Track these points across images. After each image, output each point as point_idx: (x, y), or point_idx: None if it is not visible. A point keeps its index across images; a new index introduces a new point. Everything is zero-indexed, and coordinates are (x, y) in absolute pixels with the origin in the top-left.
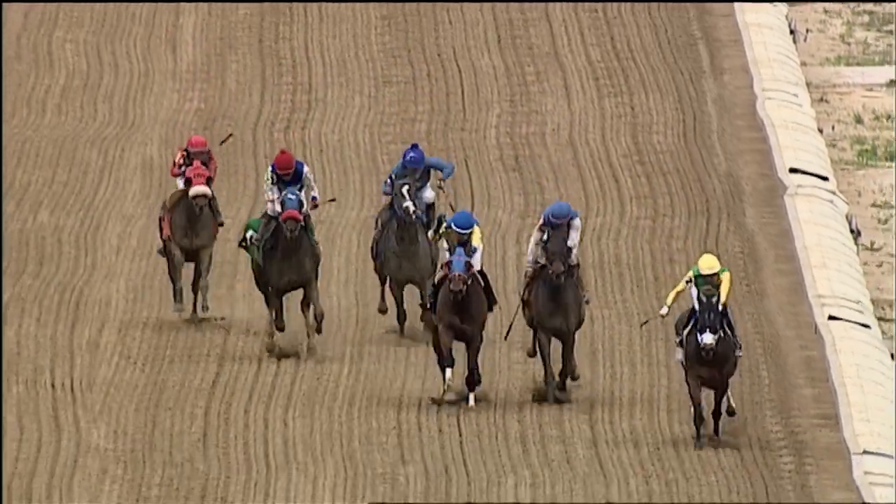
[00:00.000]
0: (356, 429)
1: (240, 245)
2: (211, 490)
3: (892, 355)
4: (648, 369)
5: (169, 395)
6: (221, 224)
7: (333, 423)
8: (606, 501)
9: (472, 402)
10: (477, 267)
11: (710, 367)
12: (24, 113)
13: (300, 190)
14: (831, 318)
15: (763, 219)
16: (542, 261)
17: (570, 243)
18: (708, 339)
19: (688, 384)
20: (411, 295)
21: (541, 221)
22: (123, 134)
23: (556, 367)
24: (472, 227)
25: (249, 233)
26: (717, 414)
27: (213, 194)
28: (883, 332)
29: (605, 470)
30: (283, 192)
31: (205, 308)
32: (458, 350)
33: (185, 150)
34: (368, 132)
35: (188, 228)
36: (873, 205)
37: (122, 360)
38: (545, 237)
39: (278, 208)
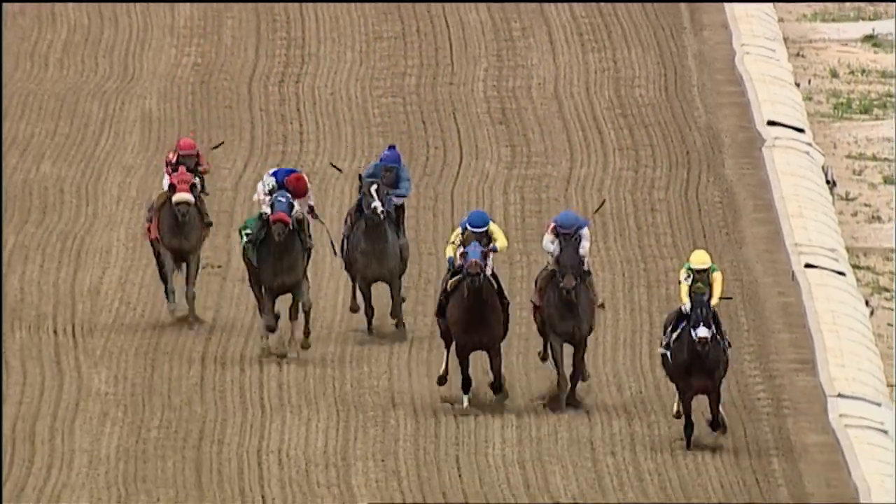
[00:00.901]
0: (348, 373)
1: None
2: (208, 432)
3: (866, 302)
4: (631, 315)
5: (167, 341)
6: (210, 224)
7: (326, 368)
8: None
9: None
10: (489, 269)
11: (701, 373)
12: (27, 66)
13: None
14: (808, 265)
15: (742, 170)
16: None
17: (581, 252)
18: (703, 332)
19: (679, 394)
20: (387, 293)
21: (551, 225)
22: (123, 87)
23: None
24: (486, 224)
25: (246, 231)
26: (714, 416)
27: (197, 199)
28: (858, 280)
29: (590, 413)
30: (274, 195)
31: (193, 321)
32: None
33: (176, 152)
34: (360, 86)
35: (176, 230)
36: (848, 156)
37: (123, 305)
38: (557, 247)
39: (267, 210)
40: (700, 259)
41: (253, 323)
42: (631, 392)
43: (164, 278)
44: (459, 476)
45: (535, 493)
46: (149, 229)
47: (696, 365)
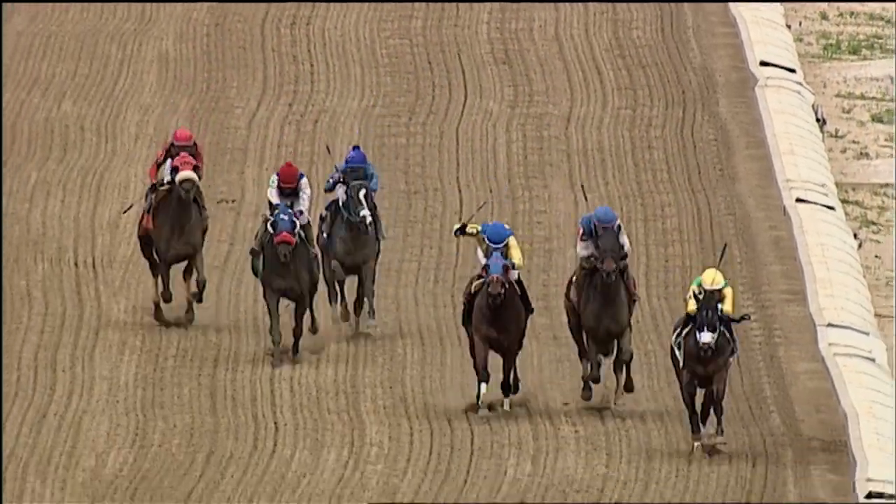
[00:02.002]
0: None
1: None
2: (222, 360)
3: (854, 235)
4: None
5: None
6: (207, 217)
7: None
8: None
9: (507, 406)
10: (514, 276)
11: (706, 365)
12: (48, 9)
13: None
14: (798, 200)
15: (735, 108)
16: (594, 261)
17: (622, 241)
18: (706, 337)
19: (680, 384)
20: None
21: (581, 231)
22: (141, 29)
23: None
24: (504, 240)
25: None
26: (717, 411)
27: (199, 188)
28: (846, 214)
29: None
30: (276, 213)
31: (196, 298)
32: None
33: (171, 144)
34: (368, 28)
35: (174, 232)
36: (837, 95)
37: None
38: (594, 240)
39: (270, 230)
40: (712, 278)
41: None
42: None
43: (153, 269)
44: (464, 402)
45: (534, 413)
46: (141, 222)
47: (700, 364)
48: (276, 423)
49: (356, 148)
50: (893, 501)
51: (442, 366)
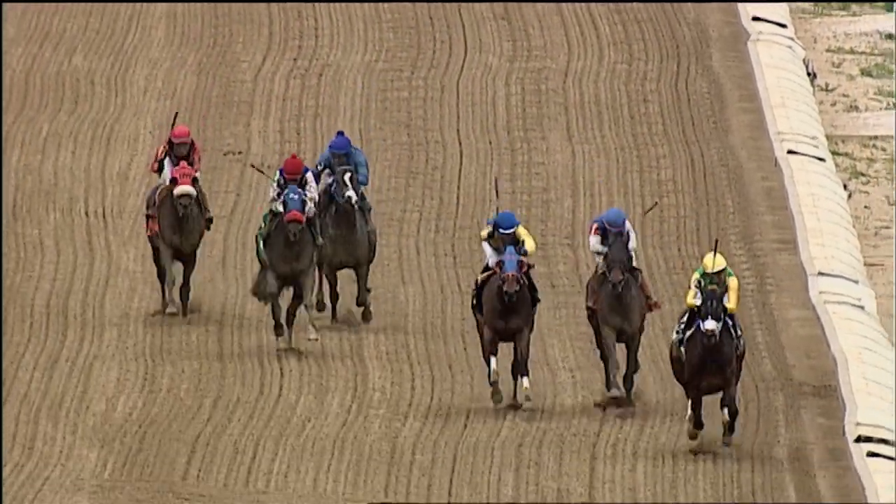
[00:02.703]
0: None
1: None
2: (230, 308)
3: (844, 186)
4: (625, 198)
5: None
6: (211, 220)
7: None
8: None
9: (526, 383)
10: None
11: (712, 370)
12: None
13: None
14: (790, 152)
15: (728, 62)
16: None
17: (630, 247)
18: (710, 324)
19: (688, 394)
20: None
21: (594, 225)
22: None
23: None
24: (514, 226)
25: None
26: (731, 415)
27: (198, 193)
28: (836, 165)
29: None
30: (285, 192)
31: (185, 311)
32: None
33: (168, 141)
34: None
35: (177, 227)
36: (828, 50)
37: (149, 190)
38: (605, 245)
39: (280, 208)
40: (713, 263)
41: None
42: None
43: (161, 276)
44: (465, 349)
45: (532, 360)
46: (148, 225)
47: (707, 361)
48: (281, 369)
49: (340, 133)
50: (882, 445)
51: (443, 313)
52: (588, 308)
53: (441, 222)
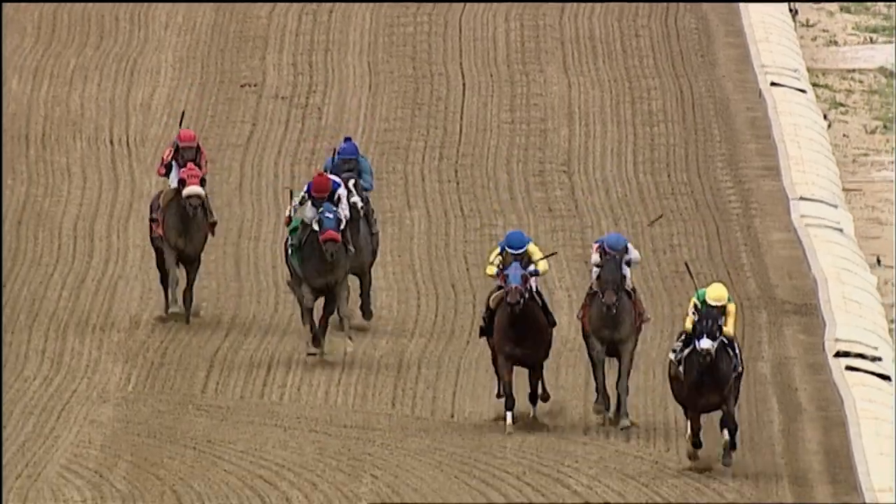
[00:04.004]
0: None
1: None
2: (246, 230)
3: (824, 116)
4: (618, 127)
5: (209, 148)
6: (214, 223)
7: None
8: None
9: (534, 414)
10: (533, 285)
11: (710, 389)
12: None
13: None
14: (773, 84)
15: None
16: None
17: (624, 271)
18: (705, 343)
19: (686, 414)
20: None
21: (595, 245)
22: None
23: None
24: (524, 245)
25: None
26: (730, 433)
27: (205, 195)
28: (817, 96)
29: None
30: (321, 210)
31: (188, 317)
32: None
33: (174, 144)
34: None
35: (182, 231)
36: None
37: (170, 119)
38: (600, 264)
39: (316, 227)
40: (716, 294)
41: (285, 136)
42: (617, 195)
43: (164, 280)
44: (467, 270)
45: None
46: (152, 228)
47: (705, 380)
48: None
49: (348, 139)
50: (860, 360)
51: (446, 235)
52: (579, 320)
53: (444, 150)
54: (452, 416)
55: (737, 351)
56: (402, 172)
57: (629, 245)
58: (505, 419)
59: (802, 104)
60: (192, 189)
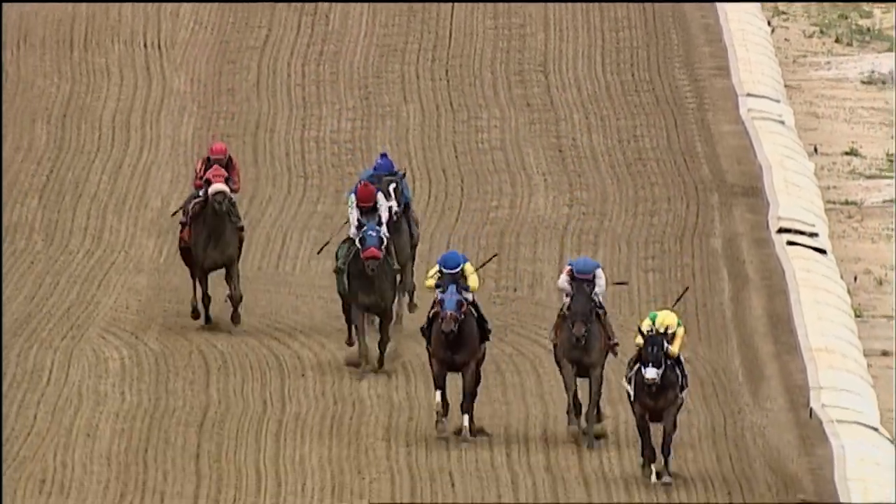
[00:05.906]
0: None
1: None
2: (263, 123)
3: (768, 22)
4: (588, 33)
5: (230, 51)
6: (242, 228)
7: None
8: None
9: (466, 422)
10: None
11: (655, 399)
12: None
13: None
14: None
15: None
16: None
17: (594, 295)
18: (651, 373)
19: (635, 416)
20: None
21: (567, 268)
22: None
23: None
24: (459, 265)
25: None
26: (664, 450)
27: (232, 198)
28: (762, 6)
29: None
30: (364, 228)
31: (236, 320)
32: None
33: (206, 158)
34: None
35: (209, 241)
36: None
37: (197, 25)
38: (570, 293)
39: (358, 245)
40: (665, 322)
41: (297, 42)
42: (587, 92)
43: (195, 288)
44: (456, 157)
45: (511, 164)
46: (181, 233)
47: (649, 400)
48: (304, 173)
49: (383, 156)
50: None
51: (438, 127)
52: (551, 342)
53: (436, 52)
54: None
55: (684, 373)
56: (399, 72)
57: (598, 271)
58: (436, 398)
59: (749, 12)
60: (218, 186)
